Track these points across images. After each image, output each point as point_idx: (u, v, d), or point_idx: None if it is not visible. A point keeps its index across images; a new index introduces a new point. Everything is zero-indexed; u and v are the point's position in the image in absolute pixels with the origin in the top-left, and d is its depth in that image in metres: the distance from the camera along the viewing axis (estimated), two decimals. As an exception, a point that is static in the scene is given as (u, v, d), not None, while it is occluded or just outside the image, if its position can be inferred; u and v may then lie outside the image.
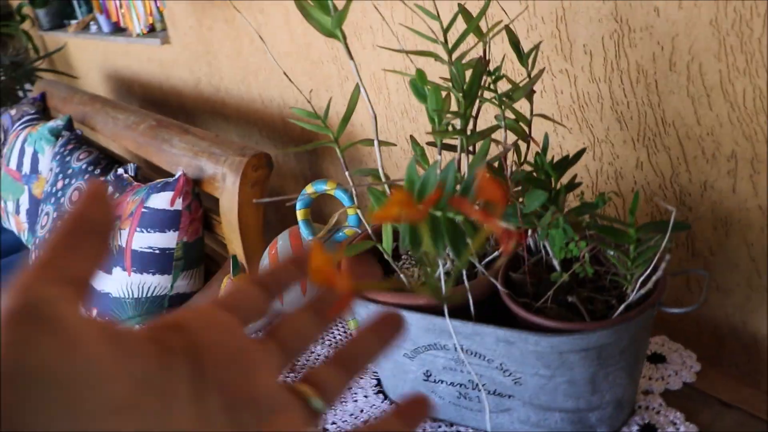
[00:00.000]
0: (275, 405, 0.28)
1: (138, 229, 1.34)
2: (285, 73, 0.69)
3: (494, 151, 0.89)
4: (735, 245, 0.79)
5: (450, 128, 0.63)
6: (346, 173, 0.67)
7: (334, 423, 0.77)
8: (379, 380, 0.82)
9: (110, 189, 1.54)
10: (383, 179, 0.63)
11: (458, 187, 0.44)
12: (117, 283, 1.37)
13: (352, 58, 0.59)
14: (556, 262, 0.66)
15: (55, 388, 0.20)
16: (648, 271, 0.59)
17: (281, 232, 1.03)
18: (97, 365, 0.22)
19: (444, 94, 0.63)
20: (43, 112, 2.43)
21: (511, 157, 0.72)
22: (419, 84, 0.60)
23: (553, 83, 0.90)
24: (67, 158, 1.81)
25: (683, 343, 0.82)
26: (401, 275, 0.70)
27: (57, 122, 2.06)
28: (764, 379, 0.84)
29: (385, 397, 0.80)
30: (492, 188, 0.24)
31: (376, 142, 0.62)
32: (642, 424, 0.70)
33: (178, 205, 1.34)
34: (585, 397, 0.64)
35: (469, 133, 0.66)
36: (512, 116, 0.71)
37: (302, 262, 0.32)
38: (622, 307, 0.60)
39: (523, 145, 0.72)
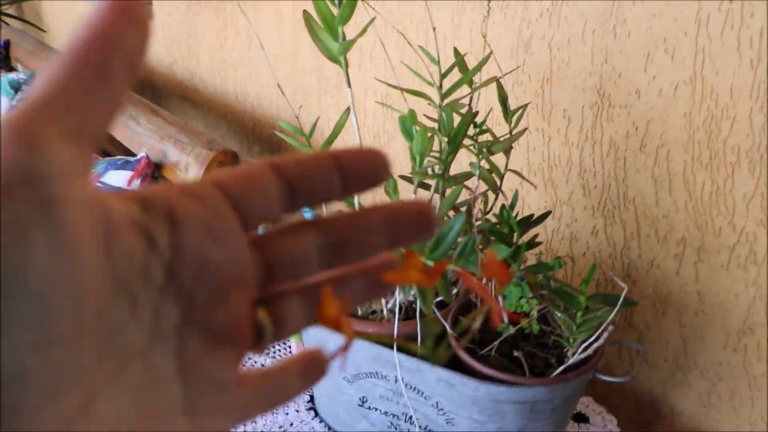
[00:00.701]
0: (230, 334, 0.22)
1: (90, 202, 1.32)
2: (279, 86, 0.70)
3: (463, 196, 0.92)
4: (669, 324, 0.83)
5: (429, 171, 0.65)
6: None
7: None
8: (312, 397, 0.83)
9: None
10: (357, 205, 0.64)
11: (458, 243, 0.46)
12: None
13: (350, 86, 0.60)
14: (504, 314, 0.69)
15: (27, 302, 0.16)
16: (590, 337, 0.63)
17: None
18: (85, 279, 0.17)
19: (429, 134, 0.66)
20: (4, 60, 2.36)
21: (478, 205, 0.74)
22: (408, 123, 0.62)
23: (527, 139, 0.93)
24: (26, 115, 1.76)
25: (607, 407, 0.85)
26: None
27: (19, 75, 2.00)
28: (675, 453, 0.89)
29: (316, 414, 0.81)
30: (498, 269, 0.26)
31: (356, 170, 0.64)
32: (558, 480, 0.73)
33: (135, 186, 1.32)
34: (511, 447, 0.66)
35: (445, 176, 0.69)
36: (487, 166, 0.74)
37: (343, 163, 0.23)
38: (561, 368, 0.63)
39: (491, 196, 0.75)
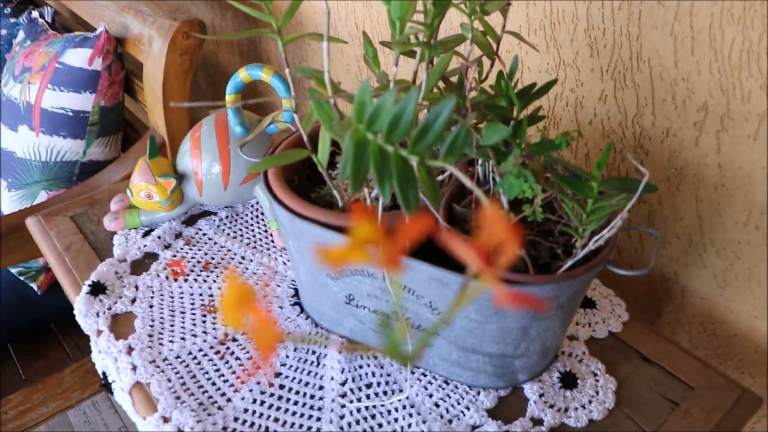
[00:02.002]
0: None
1: (50, 86, 1.21)
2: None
3: (454, 63, 0.81)
4: (684, 199, 0.76)
5: (412, 38, 0.55)
6: (287, 71, 0.59)
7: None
8: (297, 291, 0.77)
9: (21, 35, 1.37)
10: (328, 87, 0.54)
11: (417, 125, 0.37)
12: (23, 143, 1.25)
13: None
14: (504, 200, 0.61)
15: None
16: (602, 227, 0.55)
17: (213, 100, 0.93)
18: None
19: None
20: None
21: (471, 74, 0.64)
22: (385, -20, 0.51)
23: (527, -7, 0.81)
24: (-25, -12, 1.60)
25: (614, 289, 0.80)
26: (335, 191, 0.64)
27: None
28: (685, 336, 0.84)
29: (302, 309, 0.75)
30: (502, 231, 0.18)
31: (325, 42, 0.53)
32: (563, 371, 0.68)
33: (97, 64, 1.21)
34: (513, 345, 0.61)
35: (431, 43, 0.58)
36: (481, 28, 0.63)
37: None
38: (569, 262, 0.55)
39: (486, 62, 0.65)
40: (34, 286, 1.25)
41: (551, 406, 0.65)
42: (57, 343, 1.29)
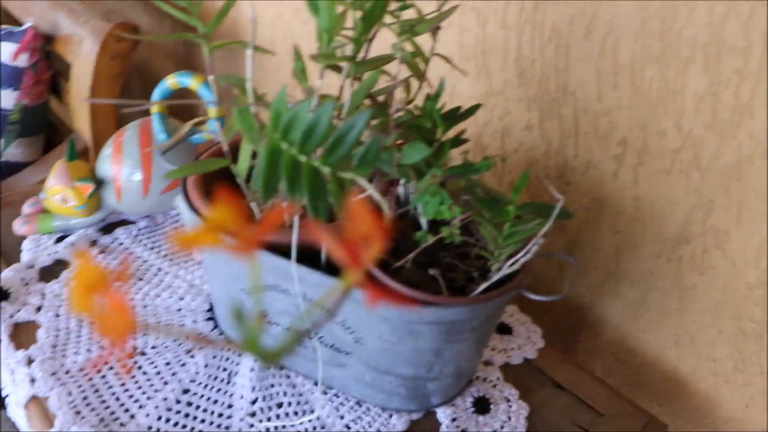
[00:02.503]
0: None
1: (-32, 80, 1.16)
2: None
3: (382, 83, 0.81)
4: (602, 230, 0.78)
5: (339, 52, 0.54)
6: (210, 78, 0.58)
7: (154, 347, 0.70)
8: (212, 306, 0.75)
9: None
10: (250, 95, 0.53)
11: (331, 136, 0.37)
12: (-67, 137, 1.18)
13: (237, -58, 0.48)
14: (423, 221, 0.61)
15: None
16: (518, 251, 0.55)
17: (145, 101, 0.90)
18: None
19: (340, 9, 0.55)
20: None
21: (398, 94, 0.64)
22: (313, -7, 0.51)
23: (461, 19, 0.82)
24: None
25: (531, 315, 0.81)
26: (253, 203, 0.62)
27: None
28: (599, 364, 0.86)
29: (216, 325, 0.73)
30: (369, 226, 0.17)
31: (250, 49, 0.53)
32: (477, 396, 0.68)
33: (22, 61, 1.16)
34: (426, 367, 0.60)
35: (359, 59, 0.58)
36: (411, 49, 0.63)
37: None
38: (483, 285, 0.56)
39: (414, 84, 0.65)
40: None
41: (463, 431, 0.65)
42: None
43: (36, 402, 0.63)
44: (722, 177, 0.64)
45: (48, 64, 1.22)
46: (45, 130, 1.28)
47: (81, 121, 1.16)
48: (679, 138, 0.66)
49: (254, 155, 0.63)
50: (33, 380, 0.65)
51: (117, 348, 0.16)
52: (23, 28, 1.17)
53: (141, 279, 0.78)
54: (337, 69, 0.60)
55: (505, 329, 0.77)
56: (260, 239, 0.17)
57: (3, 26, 1.24)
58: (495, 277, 0.56)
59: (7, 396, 0.65)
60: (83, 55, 1.12)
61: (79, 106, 1.15)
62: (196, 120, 0.67)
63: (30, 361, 0.66)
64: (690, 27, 0.61)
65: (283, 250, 0.58)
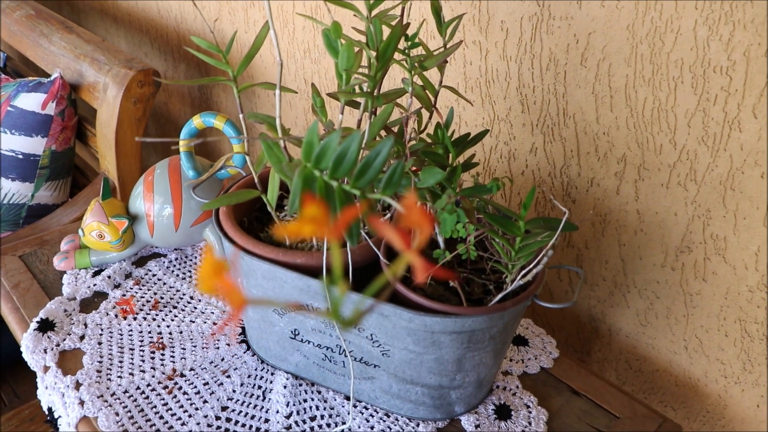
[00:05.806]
0: None
1: (1, 129, 1.22)
2: (188, -4, 0.63)
3: (395, 115, 0.87)
4: (608, 243, 0.82)
5: (357, 89, 0.60)
6: (240, 116, 0.63)
7: (192, 369, 0.74)
8: (244, 329, 0.80)
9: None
10: (279, 130, 0.59)
11: (359, 162, 0.42)
12: (-31, 184, 1.25)
13: (265, -5, 0.54)
14: (440, 240, 0.66)
15: None
16: (529, 263, 0.60)
17: (162, 148, 0.96)
18: None
19: (356, 49, 0.60)
20: None
21: (411, 124, 0.70)
22: (333, 37, 0.56)
23: (464, 53, 0.88)
24: (-74, 33, 1.61)
25: (546, 328, 0.85)
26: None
27: None
28: (613, 373, 0.89)
29: (248, 347, 0.78)
30: (419, 216, 0.22)
31: (278, 90, 0.58)
32: (498, 404, 0.72)
33: (51, 109, 1.23)
34: (449, 376, 0.65)
35: (375, 94, 0.64)
36: (420, 83, 0.69)
37: None
38: (499, 296, 0.60)
39: (425, 114, 0.71)
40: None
41: (486, 437, 0.69)
42: (-5, 389, 1.27)
43: (86, 422, 0.68)
44: (717, 187, 0.69)
45: (74, 110, 1.28)
46: (71, 173, 1.35)
47: (108, 163, 1.23)
48: (674, 153, 0.71)
49: (281, 188, 0.68)
50: (82, 402, 0.69)
51: (233, 317, 0.21)
52: (51, 78, 1.24)
53: (175, 307, 0.83)
54: (354, 104, 0.66)
55: (521, 341, 0.81)
56: (344, 225, 0.22)
57: (30, 78, 1.31)
58: (509, 288, 0.60)
59: (59, 417, 0.69)
60: (108, 100, 1.18)
61: (106, 149, 1.21)
62: (227, 156, 0.72)
63: (78, 385, 0.71)
64: (677, 50, 0.66)
65: (311, 272, 0.63)
